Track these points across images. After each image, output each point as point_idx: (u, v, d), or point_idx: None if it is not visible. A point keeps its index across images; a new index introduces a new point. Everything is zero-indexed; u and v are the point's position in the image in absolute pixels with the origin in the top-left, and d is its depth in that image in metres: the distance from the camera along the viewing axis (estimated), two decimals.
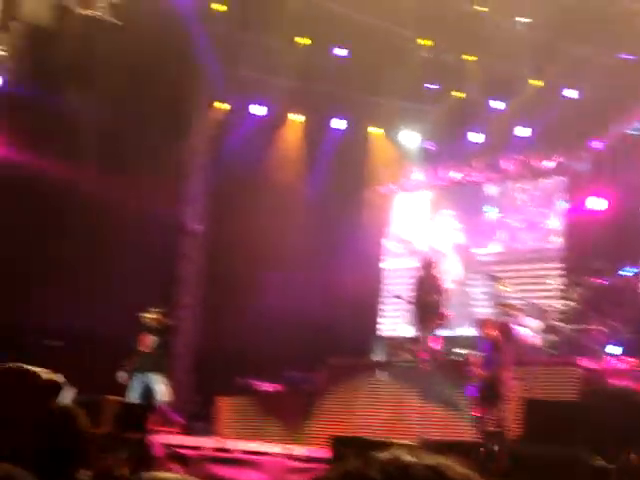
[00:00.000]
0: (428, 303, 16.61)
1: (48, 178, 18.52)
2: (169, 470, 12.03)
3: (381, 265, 22.20)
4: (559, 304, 16.77)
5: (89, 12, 18.96)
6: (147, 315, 15.73)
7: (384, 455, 1.24)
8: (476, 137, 21.30)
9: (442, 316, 16.64)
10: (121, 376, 15.52)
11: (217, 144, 21.45)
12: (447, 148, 21.80)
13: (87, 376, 18.13)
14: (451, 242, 21.31)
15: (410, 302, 16.89)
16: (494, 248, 20.60)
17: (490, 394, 13.28)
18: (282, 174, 21.80)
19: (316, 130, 21.78)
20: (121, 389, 15.52)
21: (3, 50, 18.41)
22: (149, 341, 15.56)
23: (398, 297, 17.62)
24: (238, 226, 20.73)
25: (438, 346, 16.57)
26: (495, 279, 17.44)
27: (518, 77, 20.38)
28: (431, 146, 22.23)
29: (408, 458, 1.24)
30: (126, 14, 18.85)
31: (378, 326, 21.49)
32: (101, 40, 18.78)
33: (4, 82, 18.53)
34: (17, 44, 18.43)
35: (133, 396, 15.31)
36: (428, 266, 17.30)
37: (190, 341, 20.80)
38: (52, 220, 19.08)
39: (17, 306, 18.43)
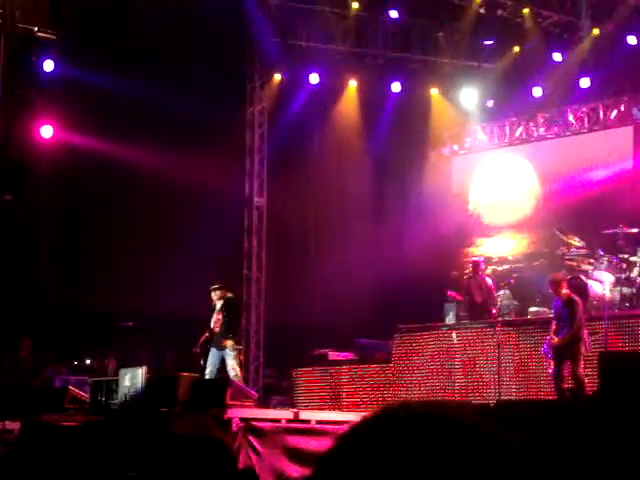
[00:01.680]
0: (477, 305, 17.03)
1: (108, 160, 18.62)
2: (247, 443, 12.05)
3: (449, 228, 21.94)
4: (632, 256, 16.38)
5: None
6: (213, 292, 15.73)
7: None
8: (538, 91, 20.87)
9: (492, 315, 16.70)
10: (197, 353, 15.58)
11: (276, 115, 21.35)
12: (509, 105, 21.41)
13: (160, 355, 18.39)
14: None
15: (463, 302, 17.23)
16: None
17: (565, 351, 13.07)
18: (342, 141, 21.63)
19: (374, 95, 21.56)
20: (195, 366, 15.58)
21: (52, 34, 18.48)
22: (218, 318, 15.58)
23: (451, 295, 17.77)
24: (300, 197, 20.66)
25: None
26: (564, 232, 17.14)
27: (576, 27, 19.95)
28: (493, 104, 21.85)
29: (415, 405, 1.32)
30: None
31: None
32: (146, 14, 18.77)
33: (55, 66, 18.63)
34: (66, 27, 18.50)
35: (209, 372, 15.37)
36: (476, 269, 17.76)
37: (261, 315, 20.82)
38: (116, 202, 19.21)
39: (85, 291, 18.62)
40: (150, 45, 18.53)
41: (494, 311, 16.90)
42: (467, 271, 18.55)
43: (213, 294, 15.72)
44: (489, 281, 17.54)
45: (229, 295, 15.91)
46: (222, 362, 15.44)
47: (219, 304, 15.64)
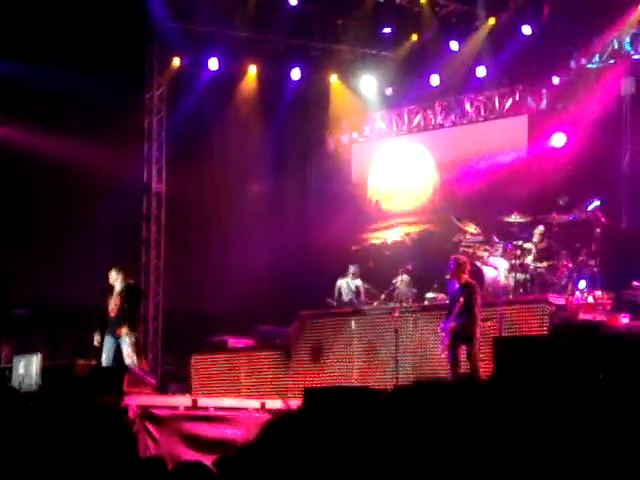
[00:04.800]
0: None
1: (3, 146, 18.27)
2: (144, 430, 11.96)
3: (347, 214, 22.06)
4: (525, 243, 16.70)
5: None
6: (114, 271, 15.39)
7: None
8: (436, 79, 21.06)
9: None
10: (96, 339, 15.33)
11: (175, 100, 21.12)
12: (408, 92, 21.60)
13: (56, 342, 18.13)
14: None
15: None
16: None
17: (462, 335, 13.27)
18: (242, 128, 21.54)
19: (274, 81, 21.50)
20: (93, 353, 15.39)
21: None
22: (116, 303, 15.33)
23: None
24: (200, 184, 20.54)
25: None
26: (460, 220, 17.39)
27: (472, 16, 20.17)
28: (391, 92, 22.00)
29: None
30: None
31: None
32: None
33: None
34: None
35: (105, 359, 15.18)
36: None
37: (159, 302, 20.63)
38: (14, 187, 18.87)
39: None
40: (45, 26, 18.21)
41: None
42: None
43: (113, 273, 15.29)
44: None
45: (130, 281, 15.60)
46: (118, 349, 15.26)
47: (118, 287, 15.30)
